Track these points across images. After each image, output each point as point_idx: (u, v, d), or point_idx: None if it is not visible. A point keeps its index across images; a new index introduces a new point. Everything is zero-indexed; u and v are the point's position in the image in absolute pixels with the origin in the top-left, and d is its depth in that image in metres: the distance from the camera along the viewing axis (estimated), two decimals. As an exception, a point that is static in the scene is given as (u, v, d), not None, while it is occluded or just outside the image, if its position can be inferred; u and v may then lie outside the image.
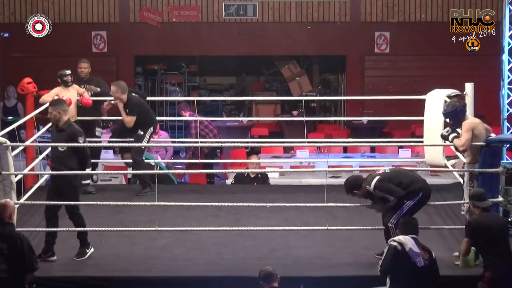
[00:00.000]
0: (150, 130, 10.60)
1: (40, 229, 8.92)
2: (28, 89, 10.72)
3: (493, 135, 8.70)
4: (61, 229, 8.89)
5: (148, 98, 11.15)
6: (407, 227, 7.35)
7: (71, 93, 10.53)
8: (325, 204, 8.47)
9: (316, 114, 17.48)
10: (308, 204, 8.77)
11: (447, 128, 8.41)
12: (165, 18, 16.83)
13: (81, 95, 10.61)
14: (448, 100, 8.96)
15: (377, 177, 7.94)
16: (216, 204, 9.00)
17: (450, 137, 8.35)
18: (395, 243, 7.19)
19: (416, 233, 7.34)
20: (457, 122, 8.36)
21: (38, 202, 9.19)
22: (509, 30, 11.95)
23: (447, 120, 8.59)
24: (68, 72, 10.58)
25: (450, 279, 7.72)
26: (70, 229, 8.67)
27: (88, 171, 8.72)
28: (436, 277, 7.32)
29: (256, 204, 8.95)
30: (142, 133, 10.50)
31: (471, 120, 8.46)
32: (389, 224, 7.90)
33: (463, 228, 7.99)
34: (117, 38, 16.83)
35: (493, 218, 7.68)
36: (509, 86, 12.09)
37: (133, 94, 10.68)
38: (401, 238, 7.23)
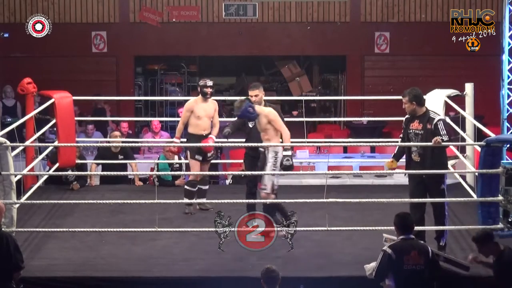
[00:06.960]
0: None
1: (40, 229, 8.93)
2: (28, 89, 10.71)
3: (492, 135, 8.69)
4: (62, 229, 8.90)
5: (148, 98, 10.98)
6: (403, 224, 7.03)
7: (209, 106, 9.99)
8: (325, 200, 8.48)
9: (316, 114, 17.47)
10: (308, 200, 8.77)
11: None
12: (165, 18, 16.83)
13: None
14: None
15: None
16: (216, 201, 9.01)
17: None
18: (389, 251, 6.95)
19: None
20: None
21: (38, 202, 9.21)
22: (509, 30, 11.95)
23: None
24: (210, 83, 9.88)
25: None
26: (70, 229, 8.67)
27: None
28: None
29: (257, 201, 8.95)
30: None
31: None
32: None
33: (462, 227, 7.98)
34: (117, 38, 16.83)
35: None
36: (509, 86, 12.09)
37: None
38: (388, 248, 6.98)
